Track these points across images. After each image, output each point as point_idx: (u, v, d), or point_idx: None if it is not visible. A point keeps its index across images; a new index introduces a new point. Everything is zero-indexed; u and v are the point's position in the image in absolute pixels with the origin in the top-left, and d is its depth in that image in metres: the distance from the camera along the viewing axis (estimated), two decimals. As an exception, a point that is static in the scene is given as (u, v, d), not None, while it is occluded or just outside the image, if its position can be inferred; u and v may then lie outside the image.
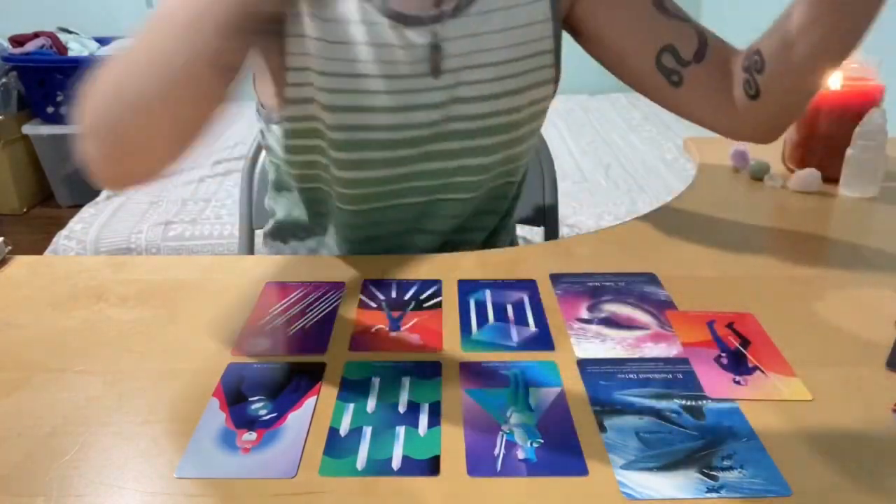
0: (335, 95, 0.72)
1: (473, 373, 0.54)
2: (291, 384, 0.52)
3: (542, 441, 0.46)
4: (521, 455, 0.45)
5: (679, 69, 0.75)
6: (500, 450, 0.46)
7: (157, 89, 0.53)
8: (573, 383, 0.52)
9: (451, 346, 0.57)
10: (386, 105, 0.72)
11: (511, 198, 0.88)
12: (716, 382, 0.52)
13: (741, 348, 0.57)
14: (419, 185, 0.77)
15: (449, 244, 0.84)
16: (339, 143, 0.73)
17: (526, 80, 0.76)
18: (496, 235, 0.89)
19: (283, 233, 0.89)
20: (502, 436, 0.47)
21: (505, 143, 0.77)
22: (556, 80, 0.80)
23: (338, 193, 0.78)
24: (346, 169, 0.75)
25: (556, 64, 0.79)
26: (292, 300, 0.64)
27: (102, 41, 2.90)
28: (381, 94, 0.72)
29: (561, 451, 0.46)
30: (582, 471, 0.44)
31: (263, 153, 1.00)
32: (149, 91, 0.53)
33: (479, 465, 0.44)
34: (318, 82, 0.71)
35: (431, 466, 0.44)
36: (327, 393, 0.51)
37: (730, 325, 0.60)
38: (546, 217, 1.12)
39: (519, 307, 0.63)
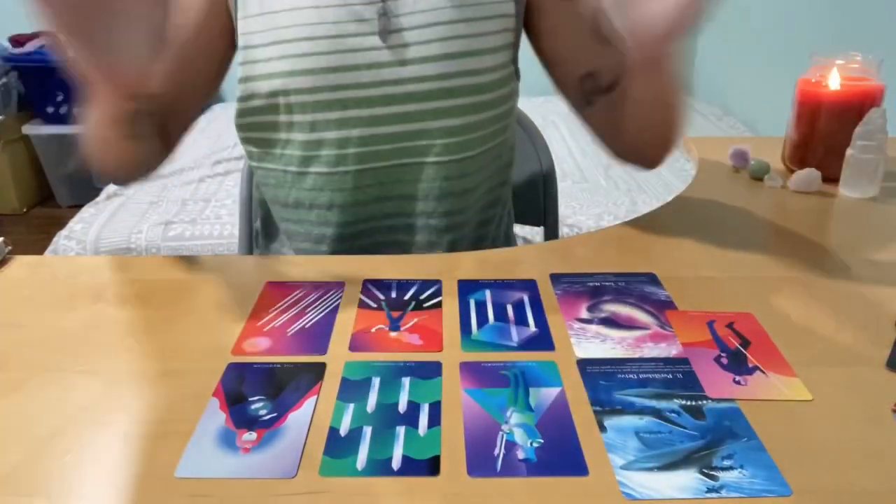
0: (281, 62, 0.74)
1: (473, 373, 0.54)
2: (291, 384, 0.52)
3: (542, 441, 0.46)
4: (521, 455, 0.45)
5: (594, 93, 0.80)
6: (500, 450, 0.46)
7: (93, 142, 0.70)
8: (573, 383, 0.52)
9: (451, 346, 0.57)
10: (332, 66, 0.74)
11: (498, 182, 0.88)
12: (716, 382, 0.52)
13: (741, 348, 0.57)
14: (381, 148, 0.77)
15: (430, 228, 0.83)
16: (292, 106, 0.75)
17: (486, 42, 0.76)
18: (486, 226, 0.89)
19: (267, 226, 0.90)
20: (502, 436, 0.47)
21: (470, 106, 0.77)
22: (515, 44, 0.81)
23: (300, 158, 0.78)
24: (302, 131, 0.76)
25: (517, 29, 0.80)
26: (292, 300, 0.64)
27: (102, 41, 2.90)
28: (328, 55, 0.73)
29: (561, 451, 0.46)
30: (582, 471, 0.44)
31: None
32: (92, 143, 0.70)
33: (479, 465, 0.44)
34: (262, 54, 0.74)
35: (431, 466, 0.44)
36: (327, 393, 0.51)
37: (730, 325, 0.60)
38: (546, 217, 1.12)
39: (519, 307, 0.63)
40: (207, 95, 0.81)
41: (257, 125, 0.79)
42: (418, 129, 0.77)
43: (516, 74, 0.83)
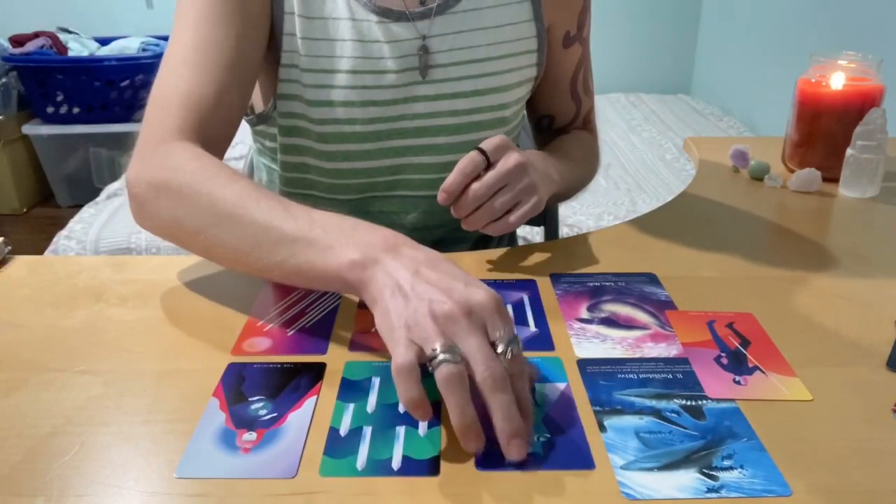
0: (320, 90, 0.74)
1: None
2: (291, 384, 0.52)
3: (549, 436, 0.47)
4: (528, 450, 0.45)
5: (547, 129, 0.92)
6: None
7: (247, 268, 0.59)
8: (573, 383, 0.52)
9: (451, 346, 0.57)
10: (372, 99, 0.74)
11: None
12: (716, 382, 0.52)
13: (741, 348, 0.57)
14: (409, 178, 0.79)
15: (445, 242, 0.84)
16: (325, 136, 0.76)
17: (512, 77, 0.78)
18: (503, 239, 0.90)
19: None
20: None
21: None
22: (537, 78, 0.84)
23: (327, 185, 0.79)
24: (333, 160, 0.77)
25: (539, 63, 0.82)
26: (292, 300, 0.64)
27: (102, 41, 2.90)
28: (370, 89, 0.74)
29: (567, 445, 0.46)
30: (588, 464, 0.44)
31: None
32: (240, 262, 0.59)
33: (488, 458, 0.44)
34: (303, 79, 0.74)
35: (431, 466, 0.44)
36: (327, 393, 0.51)
37: (730, 325, 0.60)
38: (546, 217, 1.12)
39: (519, 307, 0.63)
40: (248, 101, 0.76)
41: (287, 147, 0.79)
42: (445, 162, 0.78)
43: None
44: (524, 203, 0.67)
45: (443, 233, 0.83)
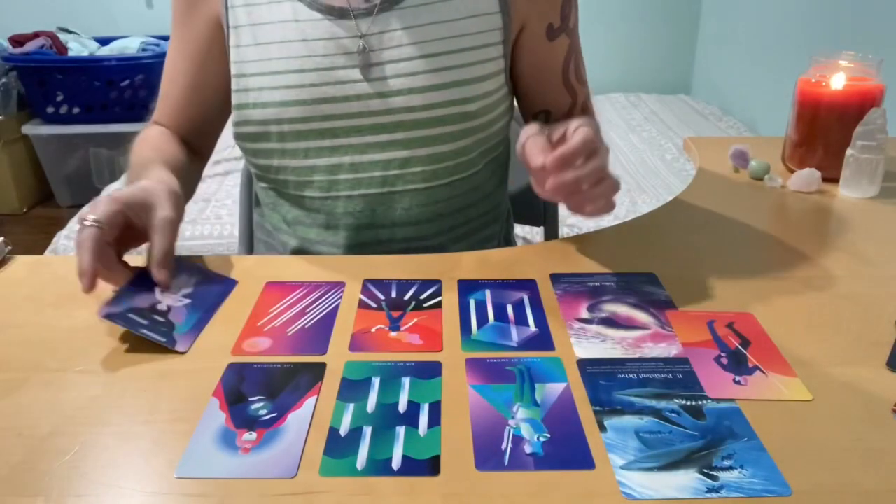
0: (271, 92, 0.76)
1: (479, 369, 0.54)
2: (291, 384, 0.52)
3: (549, 436, 0.47)
4: (528, 450, 0.46)
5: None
6: (507, 444, 0.46)
7: None
8: (573, 383, 0.52)
9: (451, 346, 0.57)
10: (321, 96, 0.75)
11: (495, 200, 0.88)
12: (716, 382, 0.52)
13: (741, 348, 0.57)
14: (372, 175, 0.78)
15: (429, 250, 0.83)
16: (285, 135, 0.77)
17: (475, 71, 0.78)
18: (486, 243, 0.89)
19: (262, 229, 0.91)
20: (509, 430, 0.47)
21: (459, 132, 0.78)
22: (507, 70, 0.82)
23: (294, 183, 0.80)
24: (296, 157, 0.78)
25: (505, 56, 0.81)
26: (292, 300, 0.64)
27: (102, 41, 2.90)
28: (318, 87, 0.75)
29: (567, 445, 0.46)
30: (589, 464, 0.44)
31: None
32: None
33: (487, 459, 0.45)
34: (254, 84, 0.77)
35: (431, 466, 0.44)
36: (327, 393, 0.51)
37: (730, 325, 0.60)
38: (546, 217, 1.12)
39: (519, 307, 0.63)
40: (225, 111, 0.84)
41: (252, 151, 0.81)
42: (408, 157, 0.78)
43: (510, 90, 0.85)
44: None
45: (411, 229, 0.82)
